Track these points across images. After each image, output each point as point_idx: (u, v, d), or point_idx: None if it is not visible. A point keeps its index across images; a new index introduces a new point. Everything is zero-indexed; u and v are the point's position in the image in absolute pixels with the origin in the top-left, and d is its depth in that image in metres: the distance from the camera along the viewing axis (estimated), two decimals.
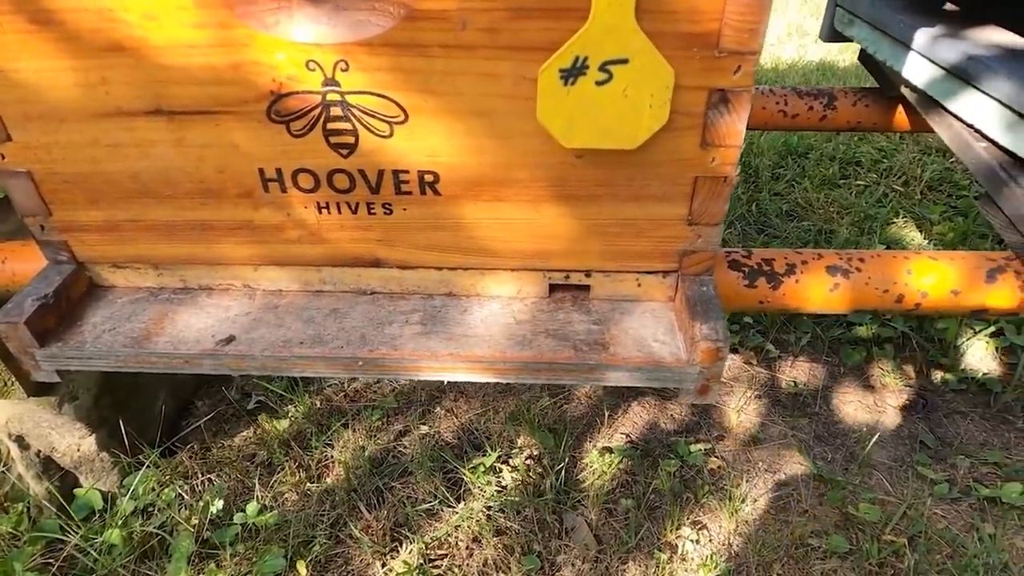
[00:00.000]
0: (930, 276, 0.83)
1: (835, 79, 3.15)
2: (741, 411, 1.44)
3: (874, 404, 1.46)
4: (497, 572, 1.14)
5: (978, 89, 0.93)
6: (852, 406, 1.46)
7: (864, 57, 1.29)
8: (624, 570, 1.14)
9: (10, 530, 1.17)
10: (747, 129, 1.48)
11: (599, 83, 0.55)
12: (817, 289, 0.83)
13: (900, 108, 1.26)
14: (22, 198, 0.68)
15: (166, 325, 0.71)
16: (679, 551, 1.17)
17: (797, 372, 1.54)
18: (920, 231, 2.00)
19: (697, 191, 0.63)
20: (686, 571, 1.14)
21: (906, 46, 1.09)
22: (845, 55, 3.38)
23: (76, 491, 1.21)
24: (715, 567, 1.13)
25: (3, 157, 0.65)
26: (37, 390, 1.05)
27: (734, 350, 1.58)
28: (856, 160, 2.35)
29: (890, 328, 1.60)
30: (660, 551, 1.16)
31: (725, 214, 0.65)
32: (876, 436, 1.37)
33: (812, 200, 2.12)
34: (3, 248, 0.88)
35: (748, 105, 0.58)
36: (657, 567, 1.14)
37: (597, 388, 1.49)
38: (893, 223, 2.03)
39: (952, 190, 2.20)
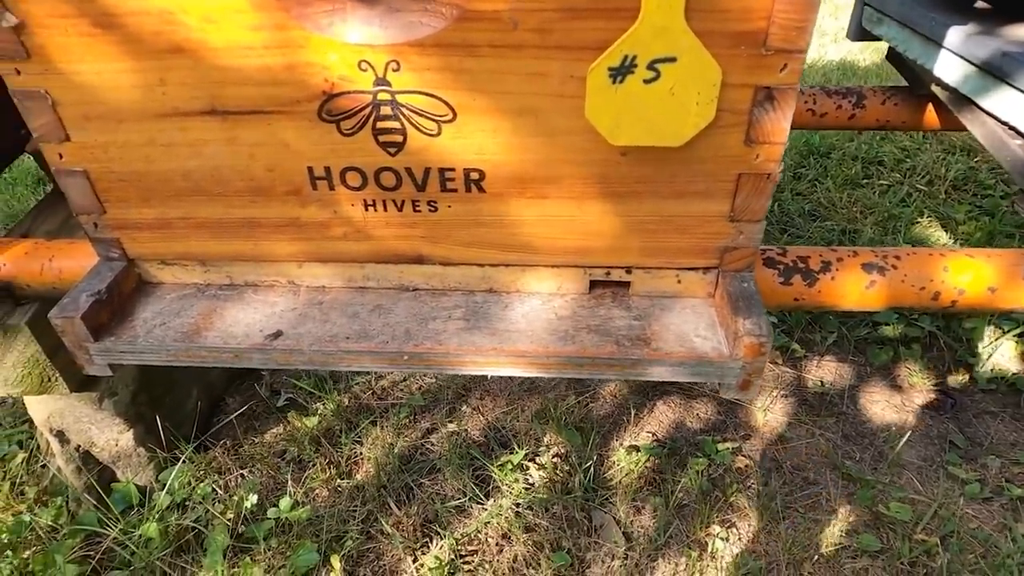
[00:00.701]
0: (967, 274, 0.83)
1: (856, 78, 3.14)
2: (767, 410, 1.44)
3: (902, 404, 1.46)
4: (528, 568, 1.15)
5: (1012, 86, 0.93)
6: (880, 406, 1.45)
7: (892, 56, 1.29)
8: (654, 567, 1.15)
9: (50, 523, 1.20)
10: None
11: (647, 81, 0.56)
12: (853, 286, 0.83)
13: (930, 106, 1.26)
14: (78, 196, 0.70)
15: (215, 320, 0.72)
16: (709, 549, 1.17)
17: (823, 372, 1.54)
18: (945, 231, 1.99)
19: (740, 188, 0.64)
20: (716, 569, 1.14)
21: (937, 44, 1.09)
22: (865, 54, 3.36)
23: (114, 485, 1.23)
24: (745, 565, 1.13)
25: (61, 157, 0.67)
26: (81, 385, 1.07)
27: None
28: (879, 160, 2.34)
29: (917, 328, 1.59)
30: (690, 549, 1.17)
31: (767, 211, 0.66)
32: (905, 436, 1.37)
33: (835, 200, 2.11)
34: (50, 246, 0.91)
35: (794, 102, 0.58)
36: (688, 564, 1.14)
37: (622, 386, 1.50)
38: (917, 223, 2.01)
39: (977, 189, 2.18)
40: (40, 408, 1.12)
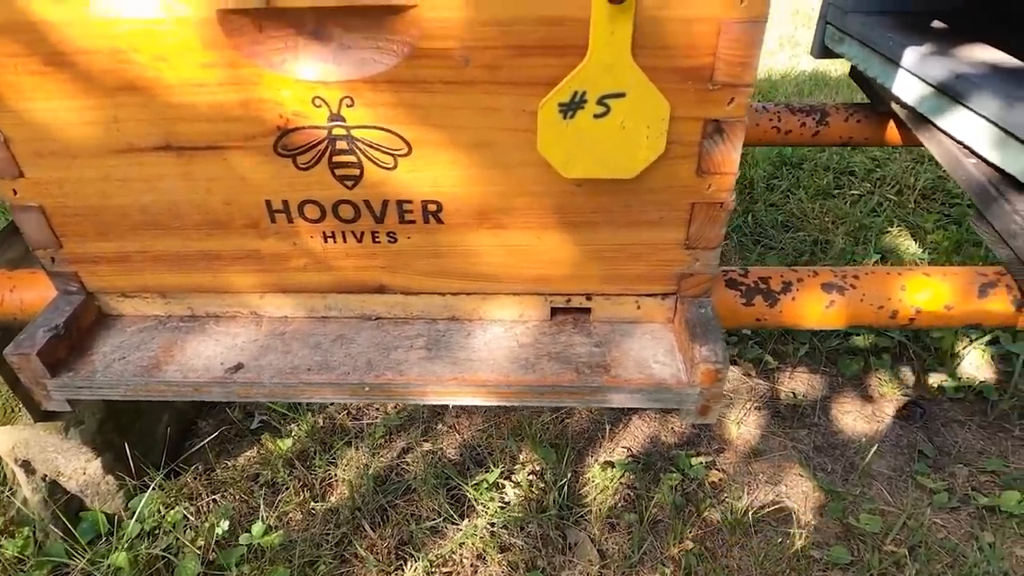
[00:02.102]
0: (924, 292, 0.85)
1: (828, 89, 3.19)
2: (741, 423, 1.45)
3: (872, 414, 1.48)
4: None
5: (966, 107, 0.96)
6: (851, 416, 1.47)
7: (855, 73, 1.32)
8: None
9: (16, 554, 1.18)
10: (745, 146, 1.50)
11: (597, 116, 0.57)
12: (813, 306, 0.85)
13: (891, 123, 1.29)
14: (33, 231, 0.69)
15: (175, 353, 0.72)
16: (682, 565, 1.18)
17: (796, 383, 1.55)
18: (915, 240, 2.02)
19: (694, 217, 0.65)
20: None
21: (895, 63, 1.11)
22: (836, 64, 3.42)
23: (81, 514, 1.21)
24: None
25: (15, 193, 0.67)
26: (44, 416, 1.06)
27: (733, 362, 1.59)
28: (850, 170, 2.38)
29: (887, 338, 1.61)
30: (663, 565, 1.17)
31: (722, 238, 0.67)
32: (875, 446, 1.39)
33: (807, 210, 2.14)
34: (12, 276, 0.90)
35: (742, 134, 0.59)
36: None
37: None
38: (888, 232, 2.05)
39: (945, 198, 2.22)
40: (4, 439, 1.10)
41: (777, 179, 2.33)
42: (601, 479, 1.33)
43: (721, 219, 0.65)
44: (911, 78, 1.08)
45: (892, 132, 1.29)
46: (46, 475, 1.15)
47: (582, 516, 1.27)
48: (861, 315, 0.86)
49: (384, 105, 0.59)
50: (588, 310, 0.73)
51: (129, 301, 0.76)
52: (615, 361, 0.69)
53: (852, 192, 2.26)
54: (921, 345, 1.60)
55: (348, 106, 0.59)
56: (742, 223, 2.07)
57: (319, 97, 0.59)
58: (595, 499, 1.29)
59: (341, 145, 0.62)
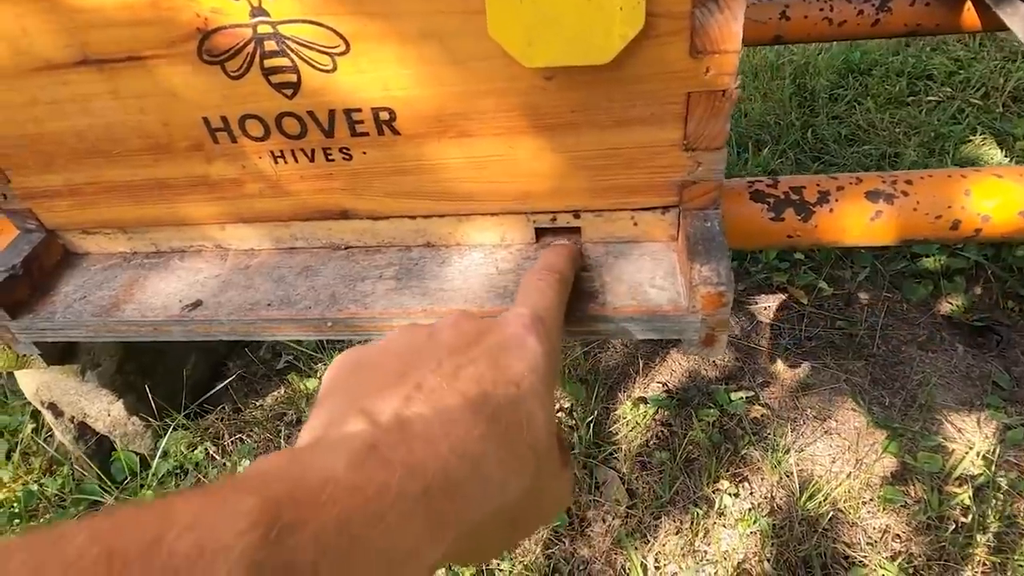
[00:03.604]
0: (994, 198, 0.71)
1: None
2: (789, 355, 1.34)
3: (940, 342, 1.33)
4: None
5: None
6: (915, 346, 1.33)
7: None
8: (657, 525, 1.09)
9: (57, 492, 1.22)
10: (790, 44, 1.32)
11: None
12: (855, 219, 0.72)
13: (968, 4, 1.09)
14: None
15: (135, 292, 0.68)
16: (716, 506, 1.10)
17: (853, 310, 1.41)
18: (1001, 148, 1.79)
19: (691, 110, 0.54)
20: (723, 526, 1.07)
21: None
22: None
23: (113, 454, 1.24)
24: (754, 522, 1.06)
25: None
26: (57, 359, 1.06)
27: (783, 289, 1.46)
28: (928, 74, 2.12)
29: (961, 258, 1.44)
30: (696, 505, 1.10)
31: (728, 135, 0.56)
32: (942, 377, 1.25)
33: (875, 121, 1.93)
34: None
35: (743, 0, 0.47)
36: (692, 522, 1.08)
37: None
38: (969, 141, 1.82)
39: None
40: (28, 382, 1.12)
41: (842, 88, 2.10)
42: (633, 416, 1.25)
43: (725, 111, 0.54)
44: None
45: (969, 15, 1.09)
46: (73, 416, 1.16)
47: (611, 454, 1.20)
48: (914, 227, 0.73)
49: None
50: (577, 229, 0.64)
51: (92, 238, 0.72)
52: (605, 287, 0.60)
53: (929, 98, 2.02)
54: (1002, 265, 1.42)
55: None
56: (799, 138, 1.88)
57: None
58: (626, 436, 1.22)
59: (270, 46, 0.54)
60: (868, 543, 1.02)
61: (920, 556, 1.00)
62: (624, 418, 1.25)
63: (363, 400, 0.34)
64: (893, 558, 1.00)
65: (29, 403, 1.38)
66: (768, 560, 1.01)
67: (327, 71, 0.55)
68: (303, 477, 0.26)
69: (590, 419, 1.23)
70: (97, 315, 0.66)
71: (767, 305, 1.44)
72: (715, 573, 1.01)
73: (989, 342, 1.32)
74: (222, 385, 1.36)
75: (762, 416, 1.23)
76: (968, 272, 1.43)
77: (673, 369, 1.35)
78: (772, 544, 1.03)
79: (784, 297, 1.45)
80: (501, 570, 1.04)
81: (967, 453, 1.11)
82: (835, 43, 2.25)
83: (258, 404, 1.36)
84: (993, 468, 1.08)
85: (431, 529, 0.29)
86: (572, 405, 1.28)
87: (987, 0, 1.00)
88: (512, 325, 0.42)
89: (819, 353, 1.34)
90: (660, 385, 1.32)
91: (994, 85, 2.01)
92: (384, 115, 0.57)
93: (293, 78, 0.55)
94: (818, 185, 0.74)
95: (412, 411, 0.33)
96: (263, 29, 0.53)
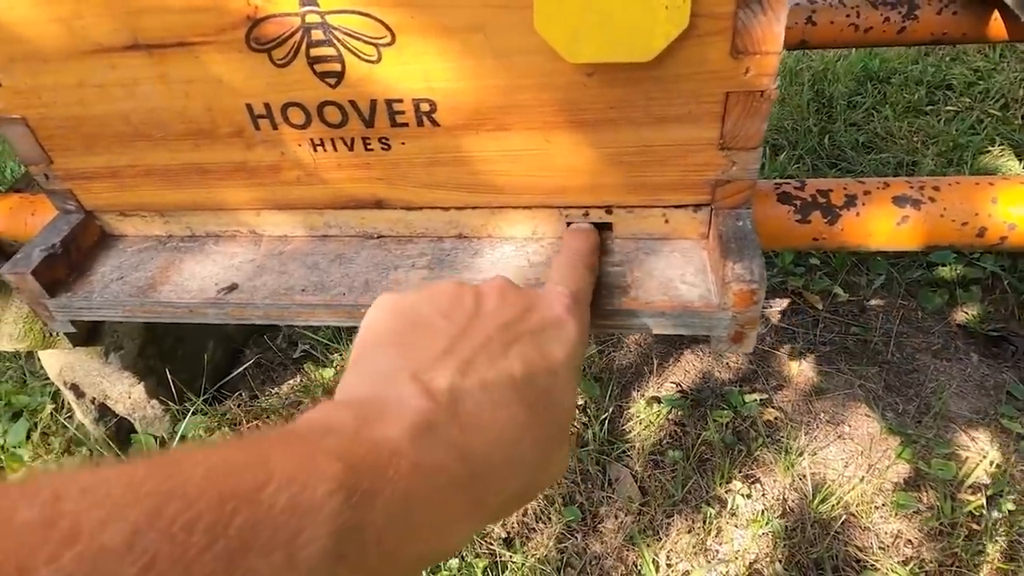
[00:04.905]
0: (1021, 206, 0.72)
1: None
2: (803, 359, 1.34)
3: (955, 351, 1.33)
4: (537, 522, 1.12)
5: None
6: (929, 353, 1.33)
7: None
8: (669, 523, 1.10)
9: None
10: (813, 49, 1.32)
11: None
12: (882, 223, 0.73)
13: (995, 13, 1.09)
14: (22, 146, 0.66)
15: (172, 274, 0.69)
16: (729, 505, 1.11)
17: (868, 317, 1.42)
18: (1020, 160, 1.79)
19: (729, 109, 0.55)
20: (735, 526, 1.08)
21: None
22: None
23: (132, 436, 1.25)
24: (767, 523, 1.06)
25: None
26: (81, 341, 1.07)
27: (797, 293, 1.47)
28: (947, 83, 2.12)
29: (978, 268, 1.44)
30: (708, 505, 1.11)
31: (763, 136, 0.56)
32: (955, 385, 1.25)
33: (893, 129, 1.93)
34: (32, 201, 0.89)
35: (787, 1, 0.48)
36: (704, 521, 1.09)
37: (647, 335, 1.42)
38: (987, 152, 1.82)
39: None
40: (52, 362, 1.13)
41: (860, 95, 2.10)
42: (646, 414, 1.26)
43: (762, 111, 0.55)
44: None
45: (996, 24, 1.10)
46: (94, 398, 1.18)
47: (624, 452, 1.21)
48: (941, 233, 0.74)
49: None
50: (609, 225, 0.65)
51: (129, 220, 0.73)
52: (636, 281, 0.61)
53: (948, 108, 2.02)
54: (1018, 276, 1.42)
55: None
56: (817, 144, 1.89)
57: None
58: (639, 435, 1.23)
59: (317, 35, 0.55)
60: (880, 547, 1.03)
61: (932, 562, 1.00)
62: (638, 416, 1.26)
63: (416, 363, 0.36)
64: (905, 563, 1.01)
65: (48, 384, 1.40)
66: (780, 561, 1.02)
67: (372, 61, 0.56)
68: (376, 445, 0.27)
69: (604, 416, 1.24)
70: (134, 296, 0.67)
71: (781, 309, 1.45)
72: (727, 572, 1.02)
73: (1004, 352, 1.32)
74: (239, 371, 1.38)
75: (775, 419, 1.24)
76: (984, 282, 1.44)
77: (687, 370, 1.36)
78: (784, 545, 1.04)
79: (798, 301, 1.46)
80: (514, 562, 1.05)
81: (981, 461, 1.12)
82: (854, 50, 2.25)
83: (274, 392, 1.38)
84: (1007, 477, 1.08)
85: (472, 506, 0.31)
86: (586, 402, 1.28)
87: (1015, 9, 1.00)
88: (555, 305, 0.43)
89: (833, 358, 1.34)
90: (674, 385, 1.33)
91: (1013, 97, 2.01)
92: (425, 106, 0.58)
93: (338, 67, 0.56)
94: (845, 189, 0.74)
95: (464, 388, 0.35)
96: (311, 19, 0.54)
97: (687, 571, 1.04)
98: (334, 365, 1.42)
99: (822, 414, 1.24)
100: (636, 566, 1.05)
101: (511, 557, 1.06)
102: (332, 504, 0.23)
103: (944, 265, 1.47)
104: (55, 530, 0.18)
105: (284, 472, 0.22)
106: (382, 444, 0.28)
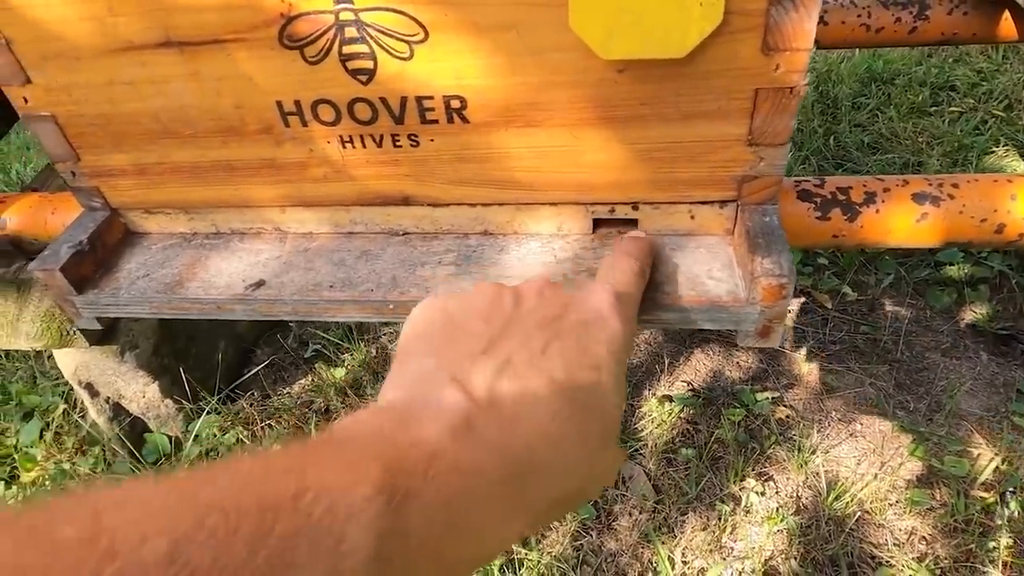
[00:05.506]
0: None
1: None
2: (813, 358, 1.35)
3: (964, 350, 1.34)
4: (552, 521, 1.12)
5: None
6: (939, 352, 1.34)
7: None
8: (683, 521, 1.10)
9: (88, 471, 1.24)
10: (823, 50, 1.33)
11: None
12: (901, 220, 0.74)
13: (1006, 14, 1.10)
14: (50, 143, 0.67)
15: (198, 270, 0.69)
16: (743, 503, 1.11)
17: (877, 316, 1.43)
18: None
19: (759, 106, 0.55)
20: (750, 523, 1.09)
21: None
22: None
23: (146, 436, 1.25)
24: (781, 520, 1.07)
25: (26, 101, 0.64)
26: (97, 340, 1.08)
27: (806, 293, 1.47)
28: (951, 85, 2.13)
29: (986, 267, 1.45)
30: (723, 502, 1.11)
31: (791, 132, 0.57)
32: (966, 384, 1.26)
33: (898, 130, 1.94)
34: (53, 199, 0.89)
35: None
36: (719, 519, 1.09)
37: (656, 334, 1.43)
38: (992, 152, 1.83)
39: None
40: (67, 361, 1.13)
41: (865, 96, 2.11)
42: (658, 413, 1.26)
43: (791, 108, 0.55)
44: None
45: (1006, 24, 1.11)
46: (109, 397, 1.18)
47: (637, 450, 1.21)
48: (960, 230, 0.74)
49: None
50: (635, 221, 0.65)
51: (153, 218, 0.74)
52: (664, 277, 0.61)
53: (952, 109, 2.03)
54: None
55: None
56: (822, 145, 1.89)
57: None
58: (651, 433, 1.23)
59: (350, 33, 0.55)
60: (895, 544, 1.03)
61: (947, 558, 1.01)
62: (650, 415, 1.26)
63: (454, 365, 0.35)
64: (920, 559, 1.01)
65: (59, 384, 1.40)
66: (795, 558, 1.03)
67: (404, 59, 0.56)
68: (414, 446, 0.27)
69: None
70: (161, 292, 0.67)
71: (790, 308, 1.45)
72: (742, 569, 1.03)
73: (1013, 351, 1.32)
74: (253, 371, 1.38)
75: (787, 417, 1.24)
76: (992, 281, 1.44)
77: (697, 368, 1.36)
78: (799, 542, 1.04)
79: (807, 301, 1.46)
80: (530, 559, 1.05)
81: (993, 459, 1.12)
82: (858, 51, 2.26)
83: (286, 391, 1.38)
84: (1019, 474, 1.09)
85: (513, 508, 0.31)
86: None
87: None
88: (595, 300, 0.43)
89: (843, 356, 1.35)
90: (685, 384, 1.33)
91: (1017, 97, 2.02)
92: (455, 103, 0.58)
93: (370, 65, 0.57)
94: (864, 186, 0.75)
95: (503, 387, 0.34)
96: (345, 16, 0.54)
97: (703, 568, 1.04)
98: (345, 365, 1.42)
99: (833, 412, 1.25)
100: (652, 563, 1.05)
101: (527, 555, 1.06)
102: (373, 508, 0.23)
103: (952, 264, 1.47)
104: (95, 547, 0.18)
105: (322, 479, 0.22)
106: (421, 445, 0.28)
